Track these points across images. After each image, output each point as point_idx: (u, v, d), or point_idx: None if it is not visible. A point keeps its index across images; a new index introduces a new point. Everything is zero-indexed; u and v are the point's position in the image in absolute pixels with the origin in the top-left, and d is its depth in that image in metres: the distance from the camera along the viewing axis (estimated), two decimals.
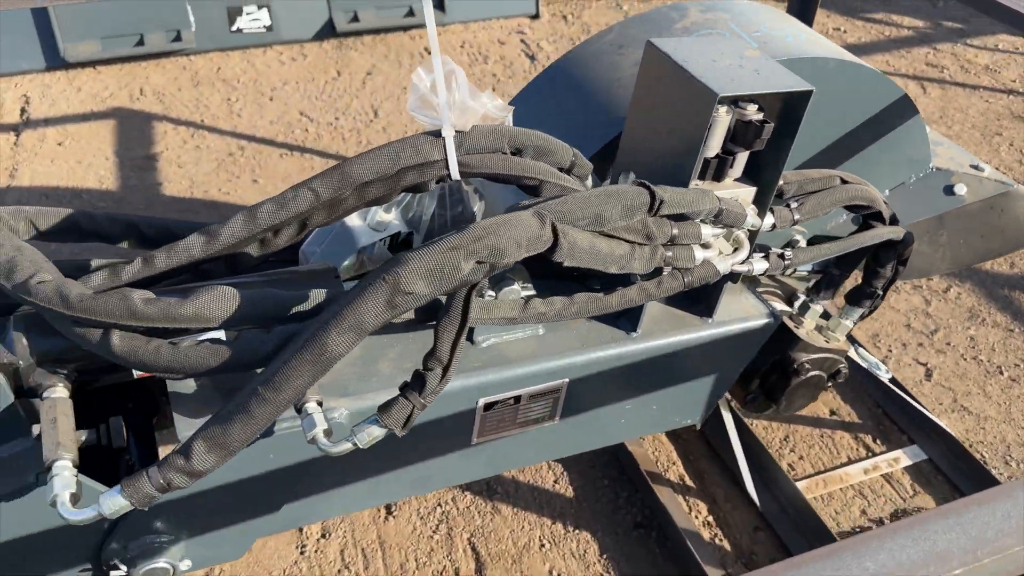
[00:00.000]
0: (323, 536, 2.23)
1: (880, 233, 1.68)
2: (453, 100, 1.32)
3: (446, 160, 1.34)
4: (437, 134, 1.35)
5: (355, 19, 4.59)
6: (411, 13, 4.69)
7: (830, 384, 1.91)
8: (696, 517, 2.30)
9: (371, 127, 3.94)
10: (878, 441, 2.52)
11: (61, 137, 3.72)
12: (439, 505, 2.31)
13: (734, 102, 1.40)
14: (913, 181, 2.09)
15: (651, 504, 2.32)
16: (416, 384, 1.18)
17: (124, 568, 1.33)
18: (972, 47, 4.89)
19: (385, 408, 1.18)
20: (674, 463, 2.43)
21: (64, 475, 1.10)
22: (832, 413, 2.62)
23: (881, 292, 1.83)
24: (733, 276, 1.60)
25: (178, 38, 4.25)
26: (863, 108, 1.84)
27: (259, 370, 1.14)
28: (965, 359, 2.82)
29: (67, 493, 1.09)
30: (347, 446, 1.19)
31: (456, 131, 1.34)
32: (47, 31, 4.04)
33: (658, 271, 1.44)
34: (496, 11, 4.87)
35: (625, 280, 1.46)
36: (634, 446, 2.41)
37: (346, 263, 1.54)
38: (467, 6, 4.78)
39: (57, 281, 1.14)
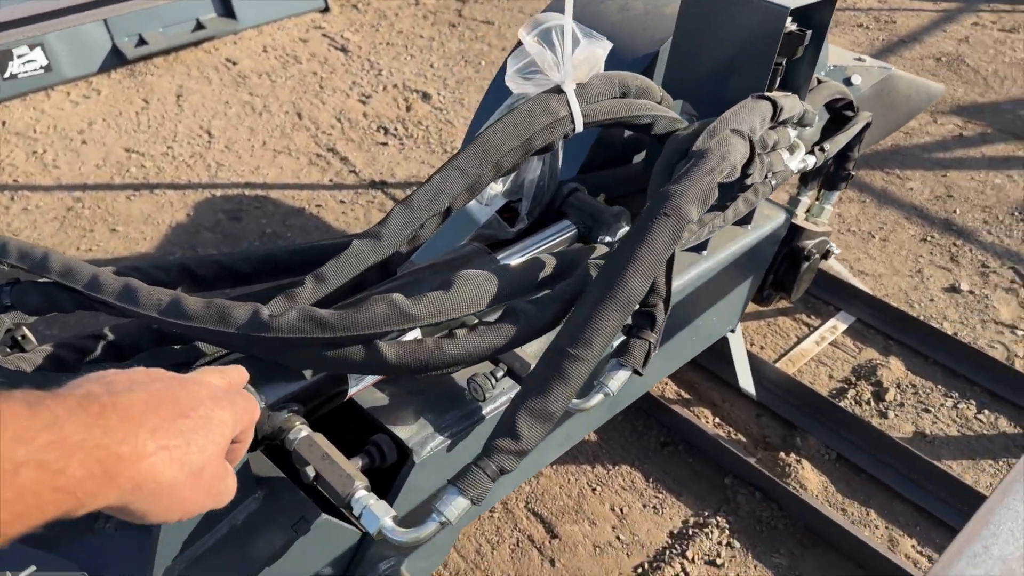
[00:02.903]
0: None
1: (866, 116, 1.93)
2: (571, 52, 1.35)
3: (571, 115, 1.37)
4: (558, 90, 1.37)
5: (142, 42, 4.21)
6: (200, 26, 4.39)
7: (825, 260, 2.16)
8: (707, 422, 2.50)
9: (212, 148, 3.67)
10: (813, 316, 2.87)
11: None
12: None
13: None
14: (823, 76, 2.39)
15: (667, 423, 2.48)
16: (645, 322, 1.22)
17: None
18: None
19: (623, 351, 1.21)
20: (666, 383, 2.61)
21: (373, 503, 1.02)
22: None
23: (852, 172, 2.10)
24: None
25: None
26: None
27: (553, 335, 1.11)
28: (843, 233, 3.27)
29: (389, 518, 1.01)
30: (600, 397, 1.21)
31: (576, 84, 1.37)
32: None
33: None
34: (286, 11, 4.69)
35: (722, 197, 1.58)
36: None
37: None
38: (257, 10, 4.56)
39: (297, 308, 1.04)
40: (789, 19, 1.56)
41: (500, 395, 1.31)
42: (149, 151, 3.63)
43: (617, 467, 2.37)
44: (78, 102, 3.96)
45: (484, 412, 1.30)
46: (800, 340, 2.78)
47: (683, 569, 2.12)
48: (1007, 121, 3.96)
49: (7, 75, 3.86)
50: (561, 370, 1.05)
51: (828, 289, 2.93)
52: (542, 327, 1.13)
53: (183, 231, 3.18)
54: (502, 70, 2.05)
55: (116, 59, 4.18)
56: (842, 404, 2.50)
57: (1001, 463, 2.39)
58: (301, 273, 1.24)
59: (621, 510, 2.27)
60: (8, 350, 1.25)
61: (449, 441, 1.24)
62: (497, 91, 2.08)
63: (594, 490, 2.31)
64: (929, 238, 3.23)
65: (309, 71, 4.29)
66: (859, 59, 2.49)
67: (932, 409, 2.54)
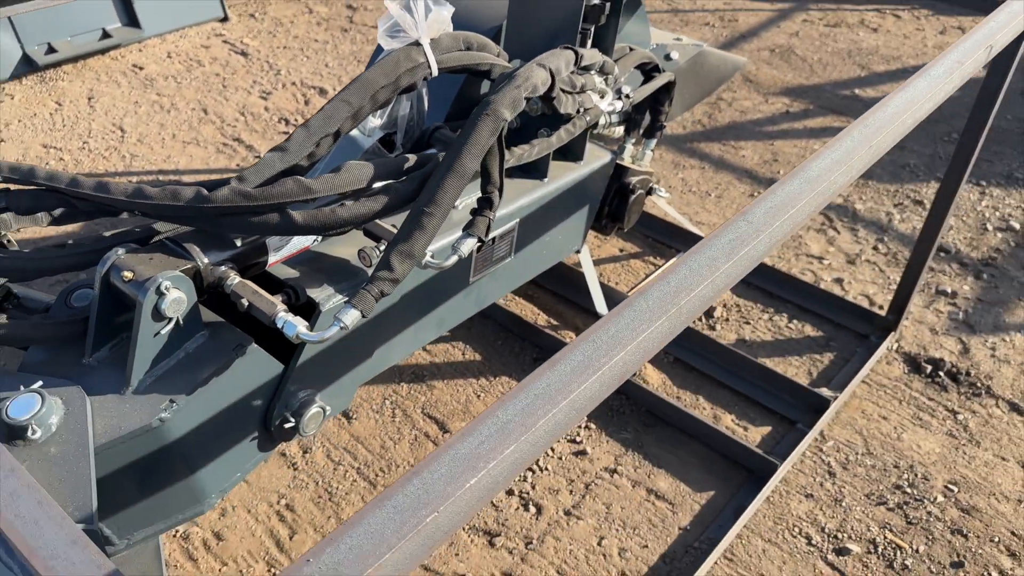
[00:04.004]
0: (305, 452, 2.57)
1: (668, 75, 2.48)
2: (425, 16, 1.82)
3: (428, 61, 1.85)
4: (417, 44, 1.84)
5: (51, 50, 4.50)
6: (107, 35, 4.70)
7: (648, 196, 2.71)
8: (570, 339, 3.00)
9: (125, 142, 4.01)
10: (658, 258, 3.43)
11: None
12: (385, 398, 2.75)
13: None
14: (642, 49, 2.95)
15: (538, 343, 2.98)
16: (484, 205, 1.71)
17: (292, 420, 1.68)
18: None
19: (469, 226, 1.69)
20: (538, 314, 3.11)
21: (291, 317, 1.47)
22: (620, 251, 3.47)
23: (665, 124, 2.66)
24: (595, 124, 2.30)
25: None
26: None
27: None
28: (685, 193, 3.85)
29: (303, 325, 1.46)
30: (454, 258, 1.68)
31: (431, 39, 1.85)
32: None
33: (567, 117, 2.08)
34: (187, 19, 5.04)
35: (550, 129, 2.09)
36: (511, 310, 3.05)
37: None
38: (160, 19, 4.89)
39: (228, 187, 1.48)
40: None
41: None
42: (66, 146, 3.94)
43: (497, 378, 2.85)
44: None
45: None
46: (647, 276, 3.33)
47: (550, 447, 2.61)
48: (827, 99, 4.67)
49: None
50: (420, 223, 1.53)
51: (670, 235, 3.50)
52: (408, 197, 1.60)
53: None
54: (378, 45, 2.51)
55: (27, 66, 4.45)
56: None
57: (805, 358, 2.98)
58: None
59: None
60: None
61: (345, 297, 1.69)
62: (378, 53, 2.54)
63: (479, 396, 2.79)
64: (756, 193, 3.85)
65: (212, 73, 4.66)
66: (678, 39, 3.07)
67: (752, 322, 3.13)
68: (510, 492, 2.48)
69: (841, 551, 2.34)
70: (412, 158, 1.69)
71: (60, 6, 4.36)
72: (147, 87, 4.48)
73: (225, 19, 5.20)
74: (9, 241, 1.68)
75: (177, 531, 2.33)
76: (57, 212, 1.60)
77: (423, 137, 2.04)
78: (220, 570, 2.26)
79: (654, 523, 2.41)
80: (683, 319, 1.25)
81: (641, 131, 2.66)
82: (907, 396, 2.84)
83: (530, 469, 2.55)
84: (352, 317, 1.47)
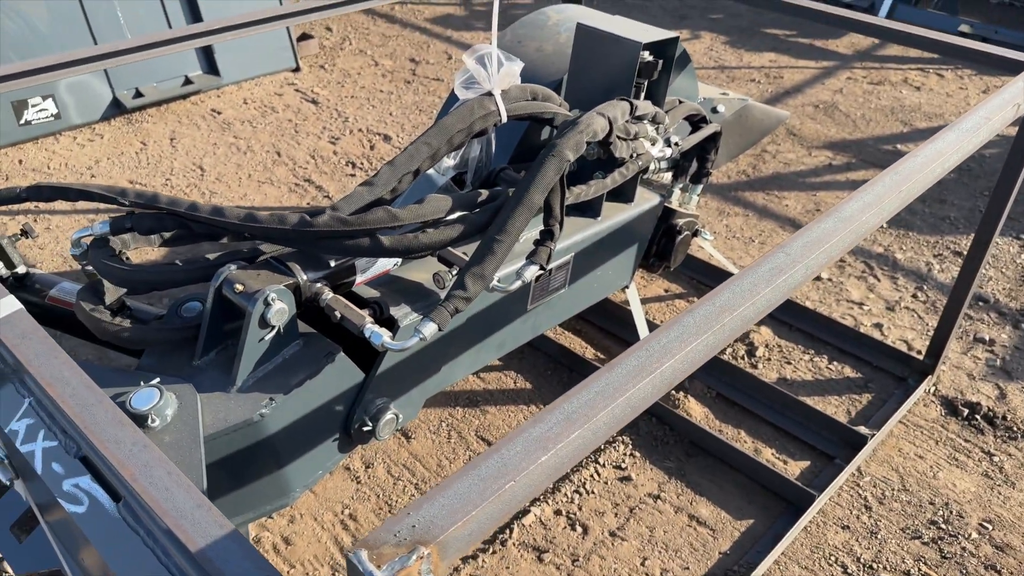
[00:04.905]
0: (368, 467, 2.76)
1: (714, 126, 2.68)
2: (497, 70, 2.05)
3: (498, 110, 2.07)
4: (489, 94, 2.07)
5: (138, 95, 4.87)
6: (188, 81, 5.07)
7: (694, 237, 2.88)
8: None
9: (204, 180, 4.32)
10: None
11: None
12: (442, 421, 2.94)
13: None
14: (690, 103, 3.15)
15: (586, 374, 3.13)
16: (547, 236, 1.91)
17: (370, 424, 1.87)
18: None
19: (532, 255, 1.89)
20: (586, 347, 3.28)
21: (377, 328, 1.67)
22: (665, 291, 3.64)
23: (711, 170, 2.84)
24: (646, 169, 2.49)
25: None
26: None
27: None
28: (729, 239, 4.02)
29: (387, 335, 1.66)
30: (518, 283, 1.87)
31: (501, 90, 2.07)
32: None
33: (621, 162, 2.28)
34: (263, 69, 5.40)
35: (604, 172, 2.29)
36: (560, 342, 3.23)
37: None
38: (238, 68, 5.26)
39: (327, 213, 1.70)
40: (645, 52, 2.30)
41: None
42: (150, 182, 4.26)
43: (547, 405, 3.02)
44: (84, 144, 4.58)
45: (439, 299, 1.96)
46: None
47: (596, 471, 2.76)
48: (869, 153, 4.82)
49: (22, 121, 4.47)
50: (491, 248, 1.73)
51: (714, 277, 3.66)
52: (481, 226, 1.81)
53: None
54: (452, 94, 2.73)
55: (116, 109, 4.82)
56: (722, 358, 3.20)
57: (844, 397, 3.10)
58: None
59: None
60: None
61: (421, 316, 1.89)
62: (451, 102, 2.77)
63: (526, 418, 2.95)
64: None
65: (285, 119, 4.98)
66: (724, 93, 3.28)
67: (792, 362, 3.26)
68: (558, 512, 2.63)
69: None
70: (484, 193, 1.90)
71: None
72: (225, 130, 4.81)
73: (297, 69, 5.55)
74: (127, 258, 1.92)
75: (250, 535, 2.53)
76: (173, 234, 1.84)
77: (490, 177, 2.25)
78: (288, 572, 2.44)
79: (695, 547, 2.54)
80: (726, 336, 1.42)
81: (688, 177, 2.85)
82: (943, 437, 2.94)
83: (577, 491, 2.70)
84: (430, 329, 1.66)
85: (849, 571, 2.47)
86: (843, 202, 1.68)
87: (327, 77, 5.55)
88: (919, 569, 2.48)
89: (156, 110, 4.98)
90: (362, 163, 4.53)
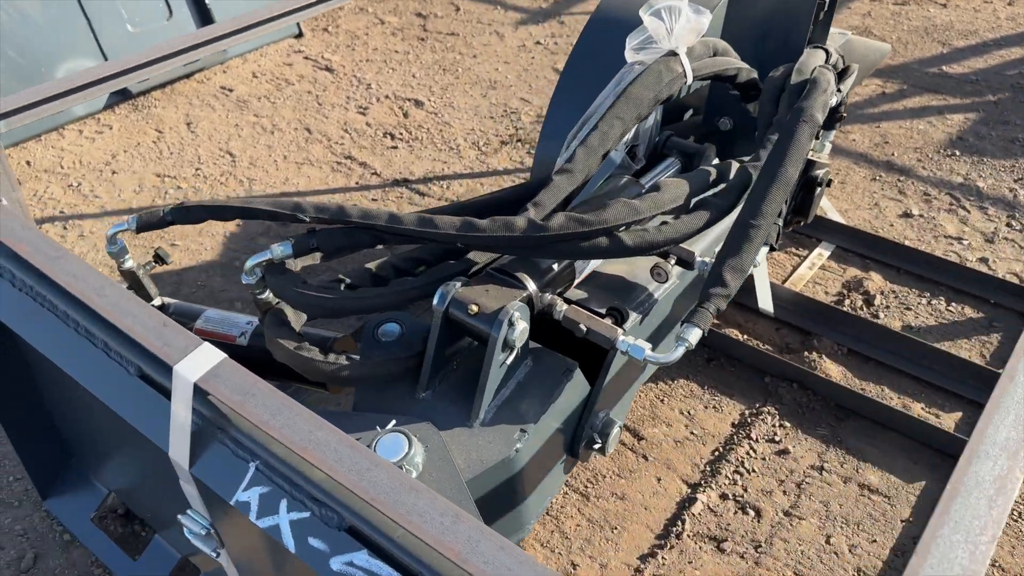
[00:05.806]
0: None
1: (856, 66, 2.47)
2: (679, 25, 1.81)
3: (685, 72, 1.83)
4: (672, 54, 1.83)
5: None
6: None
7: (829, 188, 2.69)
8: (739, 337, 3.00)
9: (237, 166, 3.98)
10: (801, 248, 3.42)
11: None
12: None
13: None
14: None
15: (707, 343, 2.97)
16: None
17: (599, 440, 1.67)
18: None
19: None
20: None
21: (634, 340, 1.46)
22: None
23: (844, 114, 2.64)
24: None
25: None
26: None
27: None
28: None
29: (649, 348, 1.45)
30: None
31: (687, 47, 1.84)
32: None
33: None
34: (265, 39, 5.01)
35: None
36: None
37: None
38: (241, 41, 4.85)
39: (561, 214, 1.47)
40: None
41: (673, 279, 1.75)
42: (180, 174, 3.92)
43: (676, 382, 2.85)
44: (93, 138, 4.20)
45: (659, 294, 1.74)
46: (795, 268, 3.32)
47: (751, 448, 2.60)
48: (917, 78, 4.66)
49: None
50: (747, 235, 1.51)
51: (810, 224, 3.48)
52: (726, 210, 1.59)
53: (237, 239, 3.50)
54: (565, 77, 2.39)
55: (119, 95, 4.42)
56: (843, 309, 3.05)
57: (974, 340, 2.97)
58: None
59: (688, 412, 2.74)
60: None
61: (643, 315, 1.68)
62: (563, 93, 2.43)
63: (662, 400, 2.78)
64: (877, 177, 3.85)
65: (303, 91, 4.64)
66: None
67: (912, 307, 3.12)
68: (724, 496, 2.47)
69: None
70: (712, 171, 1.68)
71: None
72: (243, 109, 4.45)
73: (300, 35, 5.17)
74: (305, 281, 1.67)
75: None
76: (366, 251, 1.59)
77: (658, 146, 2.02)
78: None
79: (875, 517, 2.41)
80: None
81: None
82: None
83: (737, 472, 2.55)
84: (695, 335, 1.46)
85: None
86: None
87: (334, 41, 5.18)
88: None
89: (161, 93, 4.58)
90: (400, 133, 4.23)
